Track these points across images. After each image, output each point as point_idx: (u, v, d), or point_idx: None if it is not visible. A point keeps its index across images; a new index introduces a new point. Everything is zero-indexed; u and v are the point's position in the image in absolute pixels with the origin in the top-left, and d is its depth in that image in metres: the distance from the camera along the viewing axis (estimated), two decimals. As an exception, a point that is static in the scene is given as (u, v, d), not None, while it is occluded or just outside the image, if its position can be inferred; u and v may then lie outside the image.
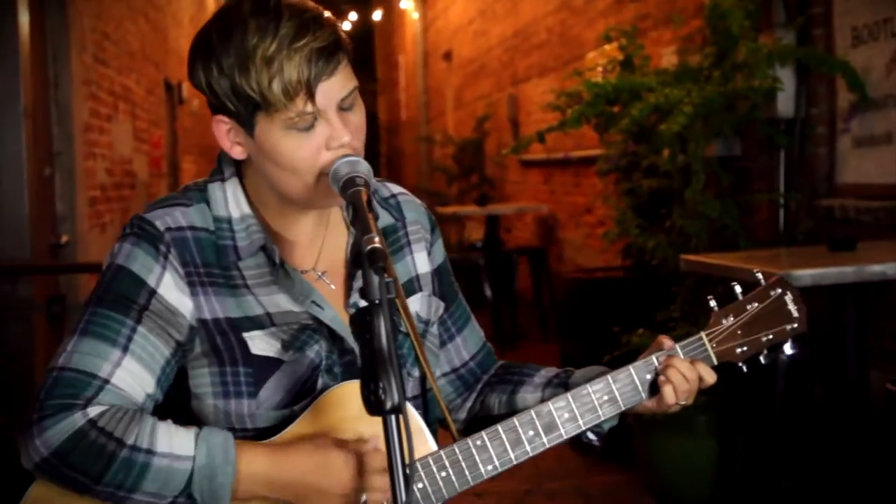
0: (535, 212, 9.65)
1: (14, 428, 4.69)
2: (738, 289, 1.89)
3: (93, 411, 1.57)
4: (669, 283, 5.03)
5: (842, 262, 3.46)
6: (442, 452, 1.72)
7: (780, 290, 1.89)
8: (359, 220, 1.51)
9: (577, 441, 1.84)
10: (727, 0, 4.76)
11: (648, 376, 1.81)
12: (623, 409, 1.80)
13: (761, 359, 1.88)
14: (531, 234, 10.06)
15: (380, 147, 21.80)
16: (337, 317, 1.72)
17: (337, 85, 1.62)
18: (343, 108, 1.65)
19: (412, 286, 1.86)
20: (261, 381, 1.67)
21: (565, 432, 1.76)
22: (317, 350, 1.70)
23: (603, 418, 1.78)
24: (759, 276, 1.91)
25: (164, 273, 1.66)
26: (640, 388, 1.80)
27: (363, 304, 1.67)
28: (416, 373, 1.81)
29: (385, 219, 1.85)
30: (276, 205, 1.74)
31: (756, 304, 1.89)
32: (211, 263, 1.69)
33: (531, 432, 1.74)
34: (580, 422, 1.77)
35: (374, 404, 1.40)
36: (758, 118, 4.81)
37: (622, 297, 5.63)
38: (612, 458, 5.02)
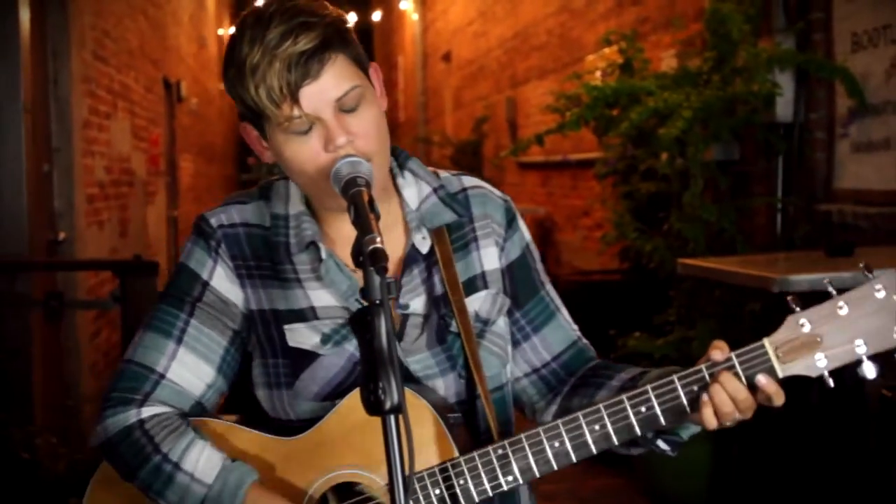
0: (533, 214, 9.65)
1: (12, 424, 4.68)
2: (832, 290, 1.60)
3: (146, 412, 1.71)
4: (667, 287, 5.04)
5: (839, 268, 3.46)
6: (462, 459, 1.64)
7: (887, 289, 1.57)
8: (360, 220, 1.51)
9: (640, 444, 1.71)
10: (727, 4, 4.77)
11: (695, 388, 1.60)
12: (664, 425, 1.62)
13: (864, 371, 1.57)
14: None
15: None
16: None
17: (327, 86, 1.61)
18: (344, 108, 1.64)
19: (475, 284, 1.81)
20: (297, 372, 1.72)
21: (596, 448, 1.63)
22: (356, 345, 1.70)
23: (639, 433, 1.62)
24: (866, 272, 1.60)
25: (216, 266, 1.76)
26: (684, 402, 1.61)
27: (412, 304, 1.75)
28: (469, 375, 1.76)
29: (448, 217, 1.81)
30: (316, 204, 1.78)
31: (849, 306, 1.57)
32: (262, 257, 1.76)
33: (557, 444, 1.63)
34: (613, 440, 1.62)
35: (373, 405, 1.40)
36: (757, 123, 4.82)
37: (619, 300, 5.64)
38: (606, 461, 5.02)
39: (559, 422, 1.63)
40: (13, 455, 4.21)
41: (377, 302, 1.43)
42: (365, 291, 1.44)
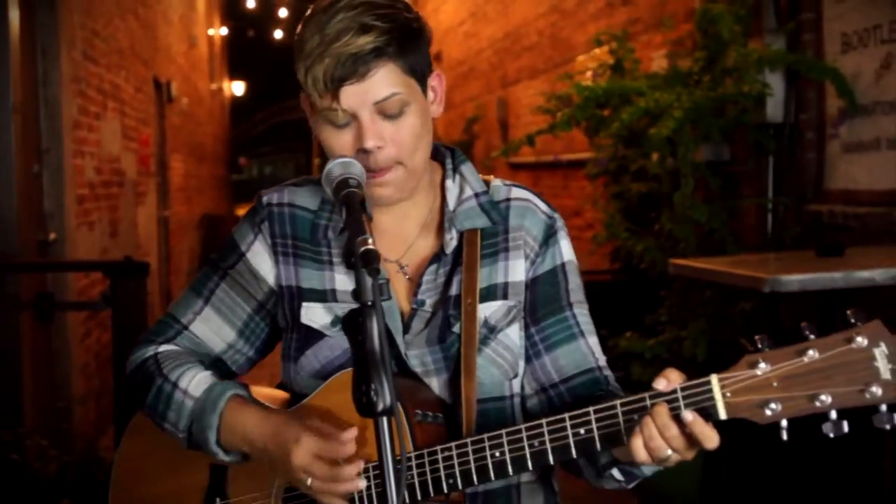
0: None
1: (1, 426, 4.66)
2: (806, 331, 1.45)
3: (163, 348, 1.88)
4: (658, 287, 5.05)
5: (830, 268, 3.46)
6: (406, 456, 1.64)
7: (868, 340, 1.42)
8: (352, 221, 1.51)
9: (599, 473, 1.70)
10: (718, 5, 4.78)
11: (635, 416, 1.53)
12: (599, 449, 1.57)
13: (823, 428, 1.44)
14: (519, 237, 10.05)
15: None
16: (394, 308, 1.78)
17: (369, 89, 1.64)
18: (384, 113, 1.67)
19: (493, 292, 1.80)
20: (303, 348, 1.81)
21: (532, 464, 1.61)
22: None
23: (574, 456, 1.58)
24: (852, 319, 1.44)
25: (255, 241, 1.87)
26: (622, 430, 1.54)
27: (428, 301, 1.78)
28: (459, 380, 1.76)
29: (480, 222, 1.81)
30: None
31: (817, 353, 1.43)
32: (302, 238, 1.85)
33: (497, 454, 1.62)
34: (549, 458, 1.59)
35: (365, 406, 1.41)
36: (747, 123, 4.83)
37: (610, 301, 5.63)
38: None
39: (503, 432, 1.62)
40: (3, 457, 4.19)
41: (369, 304, 1.43)
42: (357, 293, 1.44)
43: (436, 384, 1.77)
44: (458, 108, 12.71)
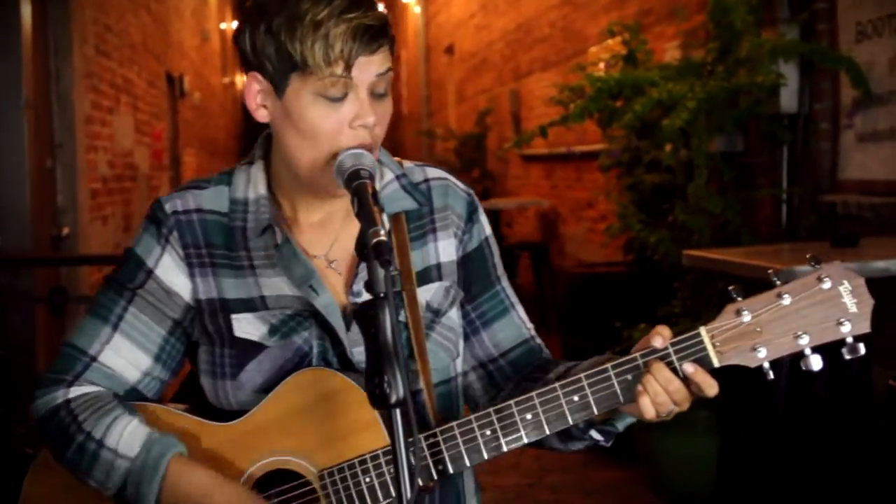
0: (537, 206, 9.64)
1: (14, 420, 4.68)
2: (776, 279, 1.56)
3: (73, 392, 1.72)
4: (671, 279, 5.03)
5: (844, 258, 3.41)
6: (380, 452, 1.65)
7: (832, 280, 1.55)
8: (364, 212, 1.50)
9: (576, 437, 1.70)
10: (731, -5, 4.74)
11: (629, 377, 1.58)
12: (596, 413, 1.60)
13: (811, 363, 1.53)
14: (533, 229, 10.05)
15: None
16: (332, 304, 1.70)
17: (374, 65, 1.63)
18: (375, 93, 1.65)
19: (429, 275, 1.79)
20: (242, 364, 1.70)
21: (527, 438, 1.62)
22: (305, 337, 1.70)
23: (572, 423, 1.61)
24: (813, 263, 1.57)
25: (163, 254, 1.74)
26: (618, 391, 1.59)
27: (364, 294, 1.69)
28: (415, 366, 1.74)
29: (408, 204, 1.79)
30: (292, 185, 1.75)
31: (791, 296, 1.54)
32: (216, 245, 1.73)
33: (489, 432, 1.63)
34: (545, 429, 1.61)
35: (378, 398, 1.40)
36: (761, 113, 4.81)
37: (624, 292, 5.63)
38: (613, 453, 5.02)
39: (491, 409, 1.63)
40: (16, 451, 4.21)
41: (381, 295, 1.42)
42: (369, 285, 1.43)
43: None
44: (471, 100, 12.69)
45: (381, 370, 1.40)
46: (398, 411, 1.41)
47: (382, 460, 1.64)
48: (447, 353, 1.80)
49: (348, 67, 1.60)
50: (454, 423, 1.64)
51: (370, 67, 1.62)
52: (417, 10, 16.10)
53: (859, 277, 1.56)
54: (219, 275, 1.72)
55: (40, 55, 5.83)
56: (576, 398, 1.60)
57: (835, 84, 4.64)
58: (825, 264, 1.56)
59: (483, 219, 1.88)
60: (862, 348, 1.55)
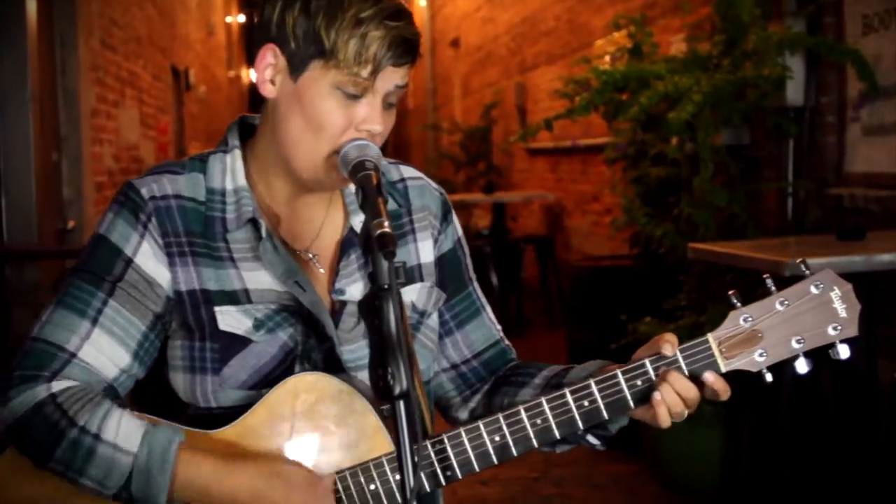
0: (542, 200, 9.63)
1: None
2: (770, 284, 1.64)
3: (56, 386, 1.58)
4: (677, 272, 5.03)
5: (850, 252, 3.44)
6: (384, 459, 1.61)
7: (824, 286, 1.63)
8: (369, 204, 1.50)
9: (569, 440, 1.70)
10: (737, -12, 4.73)
11: (639, 382, 1.60)
12: (606, 418, 1.62)
13: (796, 367, 1.62)
14: (538, 222, 10.04)
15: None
16: (319, 301, 1.68)
17: (397, 77, 1.62)
18: (387, 102, 1.64)
19: (411, 275, 1.78)
20: (226, 359, 1.64)
21: (537, 442, 1.62)
22: (291, 333, 1.66)
23: (581, 427, 1.62)
24: (803, 267, 1.65)
25: (142, 242, 1.65)
26: (628, 397, 1.61)
27: (348, 290, 1.70)
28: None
29: (388, 205, 1.73)
30: (278, 177, 1.71)
31: (788, 302, 1.63)
32: (195, 233, 1.67)
33: (497, 438, 1.62)
34: (555, 433, 1.62)
35: (382, 390, 1.40)
36: (767, 107, 4.80)
37: (629, 286, 5.62)
38: (619, 446, 5.01)
39: (500, 415, 1.62)
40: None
41: (385, 287, 1.41)
42: (373, 276, 1.42)
43: (364, 378, 1.67)
44: (476, 93, 12.69)
45: (384, 362, 1.39)
46: (402, 403, 1.40)
47: (387, 468, 1.61)
48: (430, 354, 1.80)
49: (375, 72, 1.58)
50: (462, 430, 1.62)
51: (393, 78, 1.62)
52: (423, 3, 16.08)
53: (847, 284, 1.63)
54: (199, 265, 1.65)
55: (46, 48, 5.84)
56: (586, 403, 1.61)
57: (841, 77, 4.63)
58: (818, 272, 1.64)
59: (455, 219, 1.89)
60: (847, 350, 1.61)
